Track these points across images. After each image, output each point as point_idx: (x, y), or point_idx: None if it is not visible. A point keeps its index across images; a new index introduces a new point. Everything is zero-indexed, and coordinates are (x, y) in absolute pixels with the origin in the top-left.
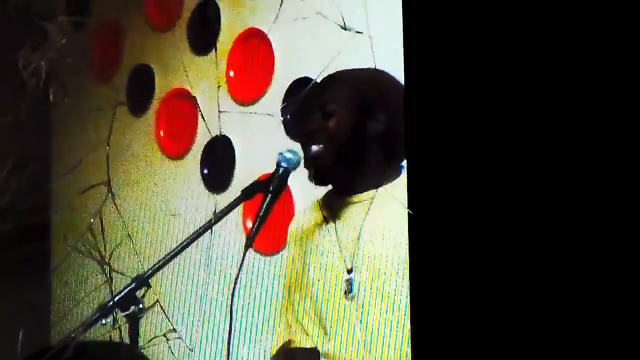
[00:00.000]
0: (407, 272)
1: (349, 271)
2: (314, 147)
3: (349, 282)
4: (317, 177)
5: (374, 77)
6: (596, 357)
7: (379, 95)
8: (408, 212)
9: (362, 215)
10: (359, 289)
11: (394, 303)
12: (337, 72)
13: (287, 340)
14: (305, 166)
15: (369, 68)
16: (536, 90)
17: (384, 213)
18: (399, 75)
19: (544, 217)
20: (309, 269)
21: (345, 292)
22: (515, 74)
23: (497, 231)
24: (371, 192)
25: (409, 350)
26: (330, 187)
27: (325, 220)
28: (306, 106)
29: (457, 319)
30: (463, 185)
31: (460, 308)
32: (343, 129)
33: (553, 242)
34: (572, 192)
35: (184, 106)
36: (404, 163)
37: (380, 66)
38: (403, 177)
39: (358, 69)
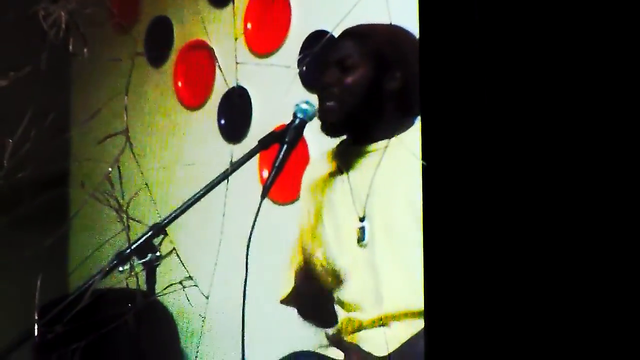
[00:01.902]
0: (419, 220)
1: (361, 219)
2: (330, 101)
3: (362, 230)
4: (331, 129)
5: (391, 34)
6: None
7: (396, 52)
8: (422, 163)
9: (375, 165)
10: (371, 237)
11: (405, 250)
12: (356, 26)
13: (294, 285)
14: (319, 118)
15: (386, 24)
16: (557, 42)
17: (397, 162)
18: (414, 30)
19: (554, 170)
20: (322, 217)
21: (358, 240)
22: (528, 30)
23: (509, 180)
24: (384, 142)
25: (421, 297)
26: (343, 137)
27: (339, 169)
28: (323, 59)
29: (469, 267)
30: (476, 137)
31: (471, 256)
32: (360, 85)
33: (562, 196)
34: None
35: (202, 57)
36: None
37: (395, 21)
38: (416, 128)
39: (376, 25)
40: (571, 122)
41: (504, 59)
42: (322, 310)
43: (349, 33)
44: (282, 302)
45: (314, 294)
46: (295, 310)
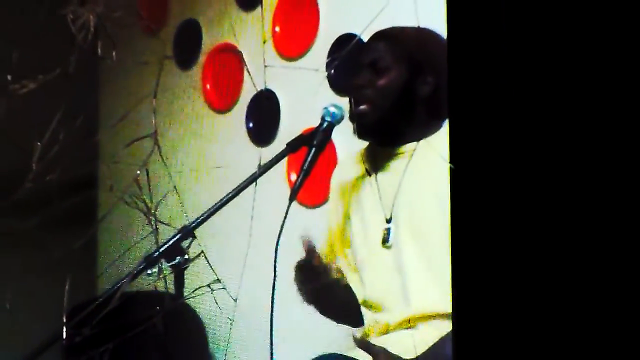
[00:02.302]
0: (446, 222)
1: (388, 221)
2: (363, 103)
3: (387, 232)
4: (363, 131)
5: (423, 37)
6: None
7: (428, 56)
8: (450, 166)
9: (403, 167)
10: (398, 239)
11: (433, 253)
12: (388, 29)
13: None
14: (351, 120)
15: (417, 27)
16: (586, 47)
17: (425, 165)
18: (442, 33)
19: (583, 172)
20: (350, 219)
21: (382, 241)
22: (557, 33)
23: (537, 183)
24: (413, 145)
25: (449, 299)
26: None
27: (367, 172)
28: (355, 61)
29: (497, 269)
30: (505, 140)
31: (500, 258)
32: (393, 87)
33: (599, 209)
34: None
35: (230, 61)
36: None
37: (423, 24)
38: (444, 131)
39: (407, 27)
40: (600, 126)
41: (532, 62)
42: (348, 309)
43: (381, 35)
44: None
45: (338, 293)
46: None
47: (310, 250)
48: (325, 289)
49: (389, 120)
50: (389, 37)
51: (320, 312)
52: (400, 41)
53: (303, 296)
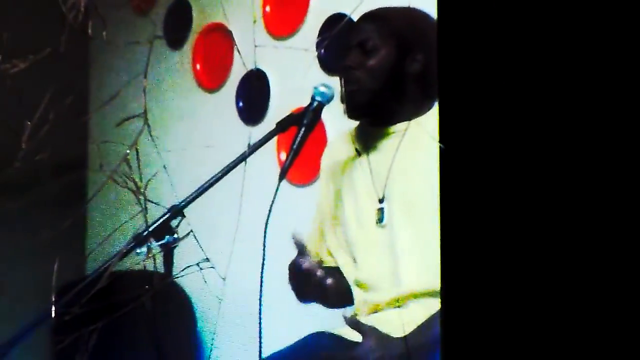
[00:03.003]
0: (437, 201)
1: (381, 201)
2: (353, 84)
3: (381, 211)
4: (354, 112)
5: (411, 16)
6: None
7: (417, 35)
8: (439, 146)
9: (395, 147)
10: (389, 218)
11: (424, 232)
12: (376, 9)
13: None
14: (342, 100)
15: (406, 7)
16: (572, 26)
17: (416, 144)
18: (432, 13)
19: (574, 153)
20: (341, 199)
21: (377, 221)
22: (548, 12)
23: (527, 163)
24: (404, 124)
25: (438, 279)
26: (363, 119)
27: (358, 152)
28: (344, 42)
29: (486, 249)
30: (495, 120)
31: (488, 238)
32: (383, 67)
33: (581, 179)
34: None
35: (221, 40)
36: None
37: (414, 4)
38: (435, 110)
39: (395, 7)
40: (593, 105)
41: (523, 41)
42: (339, 294)
43: (369, 15)
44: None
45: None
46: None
47: (301, 250)
48: (318, 287)
49: (380, 100)
50: (377, 17)
51: (315, 303)
52: (388, 21)
53: (297, 296)
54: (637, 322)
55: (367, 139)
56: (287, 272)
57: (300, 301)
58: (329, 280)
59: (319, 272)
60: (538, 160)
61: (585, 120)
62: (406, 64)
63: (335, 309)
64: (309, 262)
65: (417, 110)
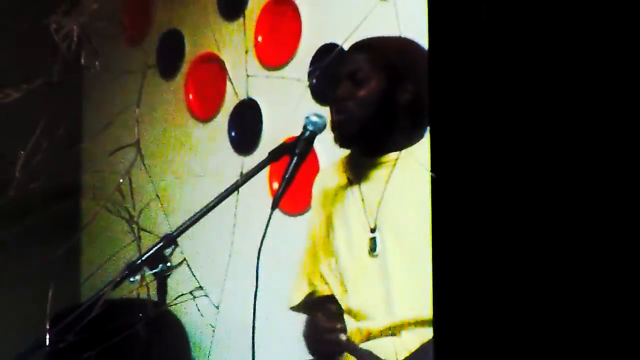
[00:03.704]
0: (429, 231)
1: (372, 230)
2: (343, 113)
3: (373, 241)
4: (344, 141)
5: (401, 46)
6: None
7: (406, 65)
8: (431, 175)
9: (386, 176)
10: (382, 247)
11: (416, 261)
12: (365, 39)
13: (310, 291)
14: (333, 130)
15: (396, 36)
16: (565, 54)
17: (408, 174)
18: (423, 43)
19: (571, 187)
20: (333, 228)
21: (369, 250)
22: (538, 43)
23: (518, 191)
24: (395, 154)
25: (430, 308)
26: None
27: (350, 181)
28: (334, 73)
29: (478, 277)
30: (486, 149)
31: (480, 266)
32: (373, 98)
33: (581, 215)
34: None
35: (213, 70)
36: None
37: (404, 33)
38: (426, 140)
39: (385, 37)
40: (582, 137)
41: (513, 71)
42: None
43: (360, 46)
44: (292, 308)
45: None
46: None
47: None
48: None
49: (370, 130)
50: (367, 47)
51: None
52: (378, 51)
53: (300, 305)
54: (636, 327)
55: (358, 168)
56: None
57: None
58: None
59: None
60: (529, 190)
61: (579, 152)
62: (396, 94)
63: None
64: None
65: (407, 139)
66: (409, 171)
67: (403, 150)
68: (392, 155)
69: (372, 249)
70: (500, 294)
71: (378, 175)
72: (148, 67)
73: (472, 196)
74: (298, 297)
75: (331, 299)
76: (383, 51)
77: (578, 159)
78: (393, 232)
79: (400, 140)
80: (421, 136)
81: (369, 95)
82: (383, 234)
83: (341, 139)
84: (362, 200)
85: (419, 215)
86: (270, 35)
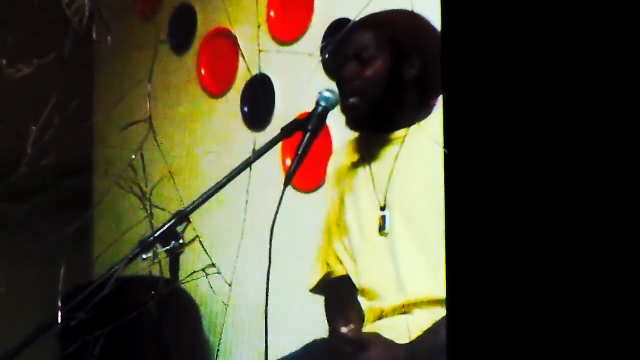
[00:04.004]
0: (440, 207)
1: (382, 208)
2: (352, 96)
3: (383, 219)
4: (355, 124)
5: (405, 21)
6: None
7: (412, 40)
8: (444, 150)
9: (395, 153)
10: (392, 225)
11: (427, 238)
12: (368, 16)
13: (326, 272)
14: (343, 112)
15: (400, 10)
16: (576, 28)
17: (417, 150)
18: (435, 17)
19: (578, 156)
20: (345, 205)
21: (379, 229)
22: (551, 14)
23: (531, 167)
24: (404, 130)
25: (443, 285)
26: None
27: (361, 158)
28: (341, 51)
29: (490, 255)
30: (498, 123)
31: (493, 243)
32: (380, 76)
33: (592, 190)
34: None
35: (225, 45)
36: (437, 101)
37: (417, 6)
38: (435, 115)
39: (390, 11)
40: (595, 108)
41: (527, 44)
42: (349, 303)
43: (363, 23)
44: (311, 290)
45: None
46: (322, 298)
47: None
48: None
49: (380, 110)
50: (370, 24)
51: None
52: (383, 28)
53: (318, 286)
54: None
55: (368, 146)
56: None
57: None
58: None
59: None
60: (544, 164)
61: (591, 124)
62: (403, 70)
63: None
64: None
65: (416, 115)
66: (418, 147)
67: (412, 126)
68: (401, 132)
69: (382, 227)
70: (514, 272)
71: (387, 152)
72: (160, 42)
73: (485, 172)
74: (315, 279)
75: (347, 279)
76: (387, 27)
77: (592, 139)
78: (402, 209)
79: (409, 116)
80: (429, 111)
81: (376, 74)
82: (392, 212)
83: (352, 123)
84: (372, 178)
85: (428, 191)
86: (282, 9)
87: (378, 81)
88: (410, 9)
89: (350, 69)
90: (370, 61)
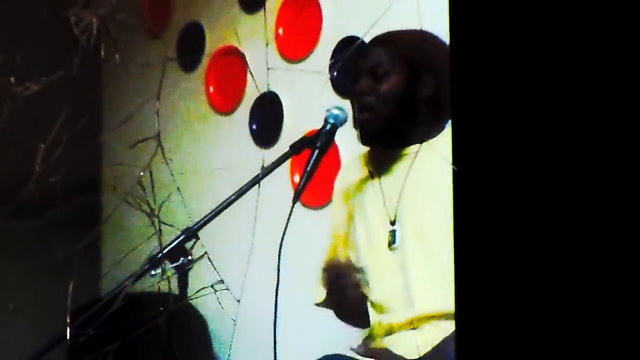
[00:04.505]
0: (449, 224)
1: (392, 223)
2: (366, 111)
3: (392, 234)
4: (368, 139)
5: (421, 39)
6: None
7: (426, 58)
8: (453, 168)
9: (406, 169)
10: (402, 240)
11: (436, 254)
12: (385, 33)
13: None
14: (355, 127)
15: (416, 29)
16: (588, 48)
17: (428, 167)
18: (444, 35)
19: (591, 177)
20: (354, 221)
21: (389, 244)
22: (560, 36)
23: (539, 185)
24: (416, 147)
25: (452, 300)
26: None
27: (371, 174)
28: (355, 67)
29: (500, 271)
30: (508, 142)
31: (502, 259)
32: (394, 93)
33: (600, 206)
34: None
35: (233, 63)
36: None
37: (426, 27)
38: (447, 132)
39: (404, 31)
40: (603, 129)
41: (534, 63)
42: (357, 311)
43: (379, 40)
44: (317, 304)
45: (347, 297)
46: (331, 312)
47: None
48: (347, 293)
49: (392, 126)
50: (387, 41)
51: (335, 314)
52: (398, 45)
53: (325, 301)
54: None
55: (379, 162)
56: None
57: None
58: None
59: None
60: (551, 182)
61: (599, 144)
62: (417, 88)
63: (351, 327)
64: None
65: (428, 132)
66: (429, 164)
67: (424, 143)
68: (413, 148)
69: (392, 242)
70: (522, 288)
71: (398, 168)
72: (168, 59)
73: (494, 189)
74: (322, 293)
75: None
76: (403, 45)
77: (601, 157)
78: (412, 225)
79: (421, 133)
80: (442, 129)
81: (391, 91)
82: (403, 227)
83: (365, 138)
84: (382, 193)
85: (438, 208)
86: (291, 27)
87: (392, 97)
88: (418, 29)
89: (365, 84)
90: (385, 77)
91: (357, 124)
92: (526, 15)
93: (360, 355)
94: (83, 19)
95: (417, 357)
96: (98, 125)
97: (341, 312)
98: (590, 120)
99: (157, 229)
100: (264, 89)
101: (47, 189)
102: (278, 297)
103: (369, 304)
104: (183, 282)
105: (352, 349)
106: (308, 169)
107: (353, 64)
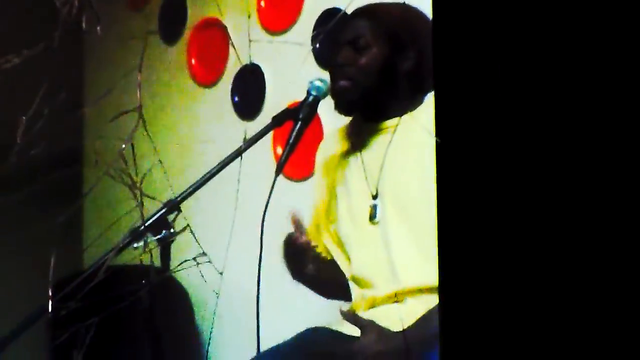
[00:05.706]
0: (432, 196)
1: (374, 197)
2: (343, 81)
3: (374, 208)
4: (344, 107)
5: (403, 12)
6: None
7: (408, 31)
8: (436, 140)
9: (387, 142)
10: (384, 214)
11: (419, 227)
12: (367, 5)
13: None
14: (333, 96)
15: (399, 2)
16: (568, 21)
17: (409, 139)
18: (426, 7)
19: (570, 147)
20: (336, 194)
21: (370, 218)
22: (544, 6)
23: (523, 155)
24: (396, 119)
25: (435, 274)
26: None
27: (352, 147)
28: (336, 38)
29: (482, 243)
30: (489, 113)
31: (485, 232)
32: (375, 65)
33: (583, 178)
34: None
35: (216, 35)
36: (430, 93)
37: (408, 0)
38: (428, 104)
39: (387, 3)
40: (589, 99)
41: (518, 35)
42: (335, 284)
43: (361, 12)
44: (295, 279)
45: (324, 269)
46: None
47: (298, 226)
48: (312, 265)
49: (371, 97)
50: (369, 14)
51: (309, 288)
52: (380, 18)
53: (291, 273)
54: (637, 322)
55: (360, 135)
56: (283, 247)
57: (294, 279)
58: (323, 259)
59: (314, 250)
60: (535, 154)
61: (582, 114)
62: (398, 61)
63: (333, 300)
64: (305, 238)
65: (408, 105)
66: (410, 137)
67: (405, 115)
68: (393, 121)
69: (373, 216)
70: (506, 260)
71: (379, 141)
72: (150, 32)
73: (477, 161)
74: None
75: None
76: (385, 18)
77: (583, 128)
78: (394, 198)
79: (401, 106)
80: (421, 101)
81: (371, 62)
82: (384, 201)
83: (342, 107)
84: (363, 166)
85: (420, 181)
86: None
87: (372, 69)
88: (404, 1)
89: (345, 55)
90: (366, 49)
91: (334, 92)
92: None
93: (349, 321)
94: None
95: (402, 329)
96: (79, 98)
97: (316, 288)
98: (575, 91)
99: (139, 201)
100: (246, 61)
101: (28, 162)
102: (261, 269)
103: (351, 278)
104: (165, 255)
105: (341, 312)
106: (290, 141)
107: (334, 35)
